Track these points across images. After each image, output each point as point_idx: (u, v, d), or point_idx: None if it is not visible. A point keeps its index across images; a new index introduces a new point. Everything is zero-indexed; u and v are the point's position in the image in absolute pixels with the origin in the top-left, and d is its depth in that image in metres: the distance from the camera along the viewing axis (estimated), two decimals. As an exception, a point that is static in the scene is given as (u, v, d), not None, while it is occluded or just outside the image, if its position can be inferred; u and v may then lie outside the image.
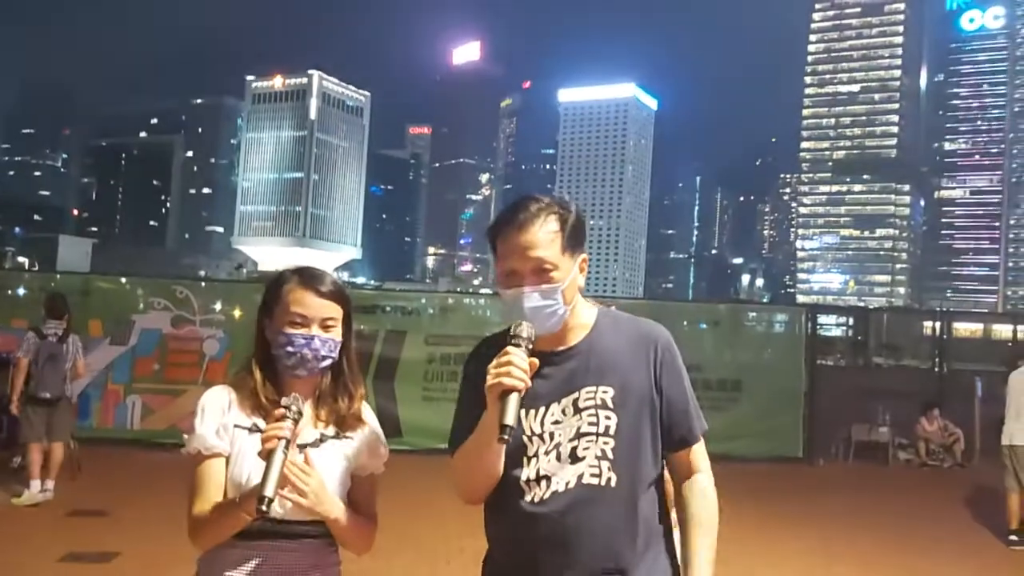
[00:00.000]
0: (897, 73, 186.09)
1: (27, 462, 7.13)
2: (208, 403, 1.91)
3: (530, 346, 1.72)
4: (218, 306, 10.63)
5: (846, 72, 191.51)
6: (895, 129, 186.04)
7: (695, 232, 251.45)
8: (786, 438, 11.05)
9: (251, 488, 1.75)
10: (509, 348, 1.70)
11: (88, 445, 8.57)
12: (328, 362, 1.94)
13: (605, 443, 1.79)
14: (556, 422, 1.82)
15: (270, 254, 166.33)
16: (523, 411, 1.80)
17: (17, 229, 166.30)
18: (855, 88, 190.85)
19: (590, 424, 1.80)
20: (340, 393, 1.99)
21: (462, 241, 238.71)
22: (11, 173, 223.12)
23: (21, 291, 10.94)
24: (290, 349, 1.89)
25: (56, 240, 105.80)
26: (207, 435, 1.87)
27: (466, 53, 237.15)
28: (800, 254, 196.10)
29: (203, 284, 11.65)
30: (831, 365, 14.96)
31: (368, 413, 2.05)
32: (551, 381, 1.84)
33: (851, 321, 21.80)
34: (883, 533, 7.48)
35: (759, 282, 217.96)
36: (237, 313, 10.60)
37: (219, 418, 1.89)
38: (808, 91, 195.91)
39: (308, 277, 1.95)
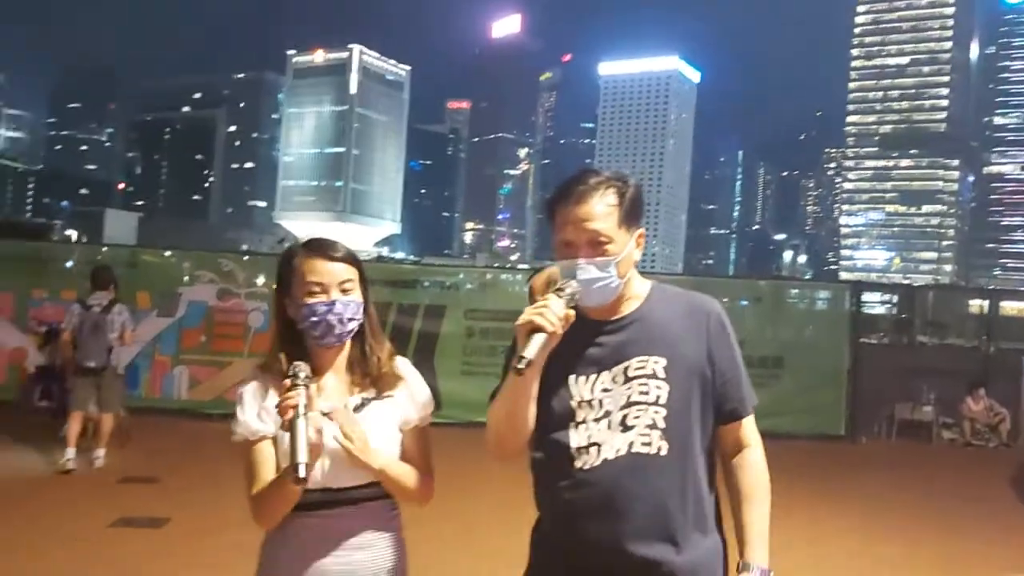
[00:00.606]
0: (947, 45, 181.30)
1: (66, 428, 7.32)
2: (246, 391, 1.94)
3: (572, 301, 1.73)
4: (261, 279, 10.78)
5: (894, 44, 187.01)
6: (944, 103, 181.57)
7: (737, 207, 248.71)
8: (828, 416, 10.97)
9: (288, 466, 1.77)
10: (550, 295, 1.72)
11: (136, 414, 8.78)
12: (354, 324, 1.94)
13: (656, 412, 1.79)
14: (605, 390, 1.82)
15: (311, 229, 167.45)
16: (573, 377, 1.83)
17: (64, 202, 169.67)
18: (903, 60, 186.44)
19: (641, 393, 1.80)
20: (368, 354, 1.99)
21: (500, 216, 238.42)
22: (58, 147, 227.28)
23: (69, 263, 11.17)
24: (314, 319, 1.90)
25: (103, 213, 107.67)
26: (250, 421, 1.90)
27: (506, 26, 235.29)
28: (844, 230, 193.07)
29: (246, 258, 11.76)
30: (874, 343, 14.73)
31: (406, 368, 2.05)
32: (602, 350, 1.85)
33: (895, 299, 21.40)
34: (925, 512, 7.41)
35: (802, 259, 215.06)
36: (278, 287, 10.73)
37: (258, 403, 1.91)
38: (855, 63, 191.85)
39: (316, 245, 1.96)
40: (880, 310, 22.27)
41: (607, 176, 1.85)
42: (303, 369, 1.82)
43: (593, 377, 1.84)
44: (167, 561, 5.11)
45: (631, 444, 1.78)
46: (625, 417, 1.80)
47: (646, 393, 1.81)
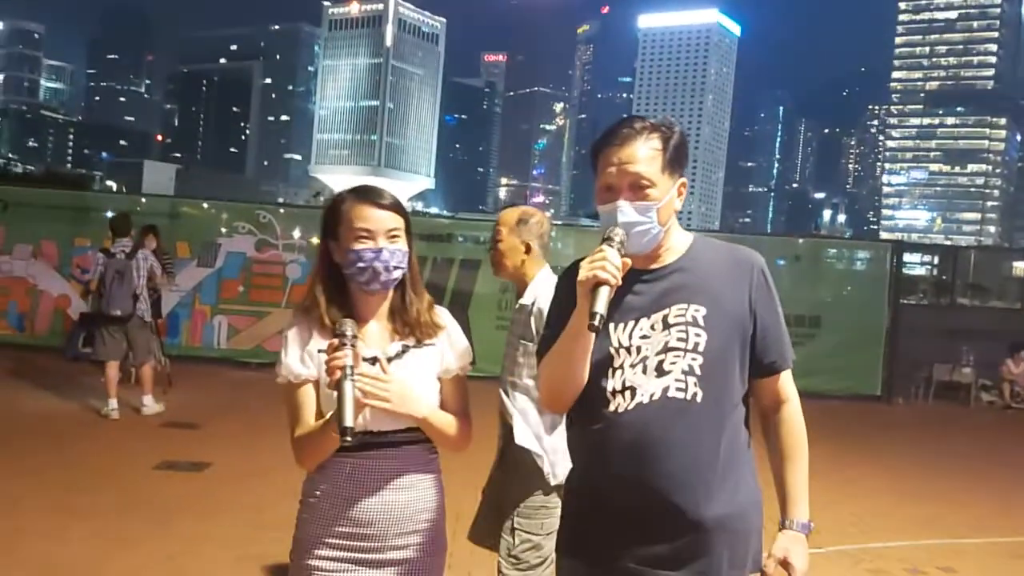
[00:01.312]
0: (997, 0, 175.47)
1: (104, 378, 7.44)
2: (290, 335, 1.96)
3: (623, 249, 1.72)
4: (297, 232, 10.87)
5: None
6: (993, 59, 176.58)
7: (776, 165, 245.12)
8: (865, 376, 10.89)
9: (332, 415, 1.80)
10: (603, 246, 1.71)
11: (178, 362, 8.96)
12: (399, 273, 1.96)
13: (693, 359, 1.78)
14: (644, 336, 1.81)
15: (346, 182, 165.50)
16: (612, 324, 1.80)
17: (104, 154, 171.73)
18: (952, 15, 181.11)
19: (679, 339, 1.79)
20: (409, 303, 2.01)
21: (535, 172, 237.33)
22: (97, 99, 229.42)
23: (110, 214, 11.35)
24: (361, 265, 1.91)
25: (141, 165, 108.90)
26: (293, 364, 1.92)
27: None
28: (886, 189, 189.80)
29: (282, 210, 11.86)
30: (914, 304, 14.55)
31: (446, 317, 2.08)
32: (642, 297, 1.83)
33: (936, 260, 21.06)
34: (962, 474, 7.36)
35: (841, 218, 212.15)
36: (316, 239, 10.82)
37: (301, 346, 1.93)
38: (902, 18, 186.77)
39: (365, 192, 1.98)
40: (920, 271, 21.95)
41: (652, 122, 1.83)
42: (350, 327, 1.81)
43: (632, 324, 1.82)
44: (209, 502, 5.25)
45: (666, 389, 1.77)
46: (661, 362, 1.78)
47: (684, 340, 1.79)
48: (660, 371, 1.78)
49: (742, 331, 1.83)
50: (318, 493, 1.94)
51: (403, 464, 1.94)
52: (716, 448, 1.78)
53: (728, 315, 1.82)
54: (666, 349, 1.79)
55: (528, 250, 3.07)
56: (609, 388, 1.80)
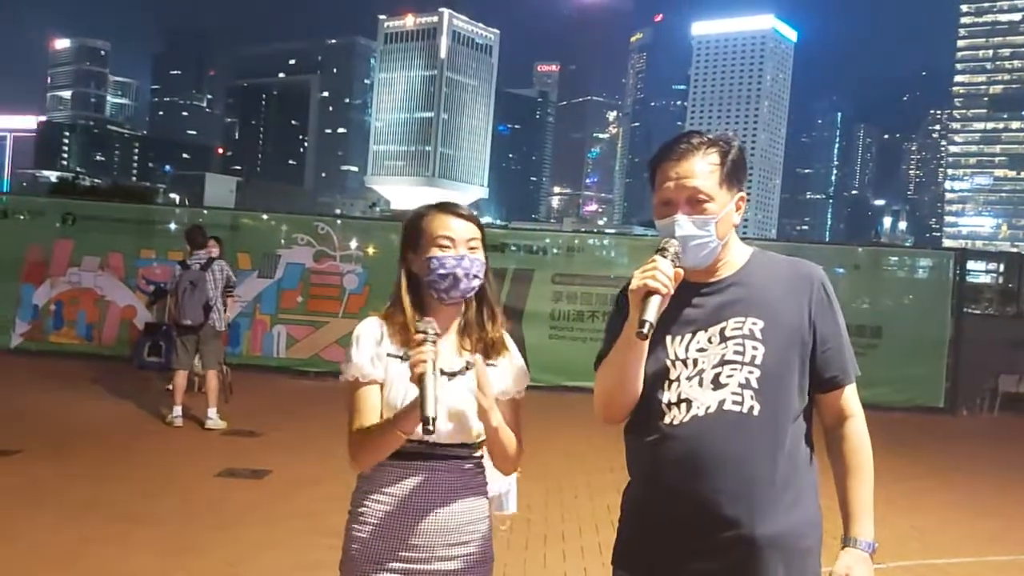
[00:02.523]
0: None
1: (172, 385, 7.67)
2: (363, 333, 1.98)
3: (676, 261, 1.73)
4: (354, 243, 11.04)
5: (1007, 0, 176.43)
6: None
7: (834, 171, 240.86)
8: (928, 387, 10.63)
9: (405, 408, 1.84)
10: (656, 256, 1.72)
11: (237, 371, 9.15)
12: (478, 282, 1.99)
13: (750, 372, 1.76)
14: (701, 349, 1.81)
15: (401, 193, 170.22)
16: (669, 337, 1.82)
17: (167, 167, 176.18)
18: (1016, 17, 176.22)
19: (736, 352, 1.78)
20: (485, 319, 2.04)
21: (587, 181, 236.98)
22: (161, 113, 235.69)
23: (173, 226, 11.66)
24: (443, 272, 1.94)
25: (203, 178, 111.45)
26: (363, 363, 1.94)
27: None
28: (948, 195, 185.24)
29: (340, 221, 12.05)
30: (978, 313, 14.19)
31: (510, 341, 2.10)
32: (700, 311, 1.84)
33: (1002, 267, 20.50)
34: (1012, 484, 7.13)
35: (902, 225, 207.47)
36: (372, 250, 11.00)
37: (373, 348, 1.96)
38: (964, 20, 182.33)
39: (445, 205, 2.04)
40: (985, 279, 21.41)
41: (711, 137, 1.84)
42: (432, 326, 1.84)
43: (689, 337, 1.82)
44: (269, 509, 5.35)
45: (722, 402, 1.76)
46: (718, 375, 1.78)
47: (741, 352, 1.78)
48: (716, 384, 1.77)
49: (801, 344, 1.81)
50: (368, 503, 1.96)
51: (453, 477, 1.95)
52: (773, 463, 1.75)
53: (786, 328, 1.80)
54: (723, 362, 1.78)
55: None
56: (665, 400, 1.79)
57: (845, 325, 1.88)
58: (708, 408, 1.76)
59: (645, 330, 1.65)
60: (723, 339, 1.80)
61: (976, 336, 11.01)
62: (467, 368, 1.98)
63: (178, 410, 7.49)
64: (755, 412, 1.75)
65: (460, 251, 1.96)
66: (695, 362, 1.80)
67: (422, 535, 1.92)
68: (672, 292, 1.70)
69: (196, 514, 5.14)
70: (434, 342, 1.82)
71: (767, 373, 1.77)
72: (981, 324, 12.41)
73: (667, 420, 1.78)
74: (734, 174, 1.82)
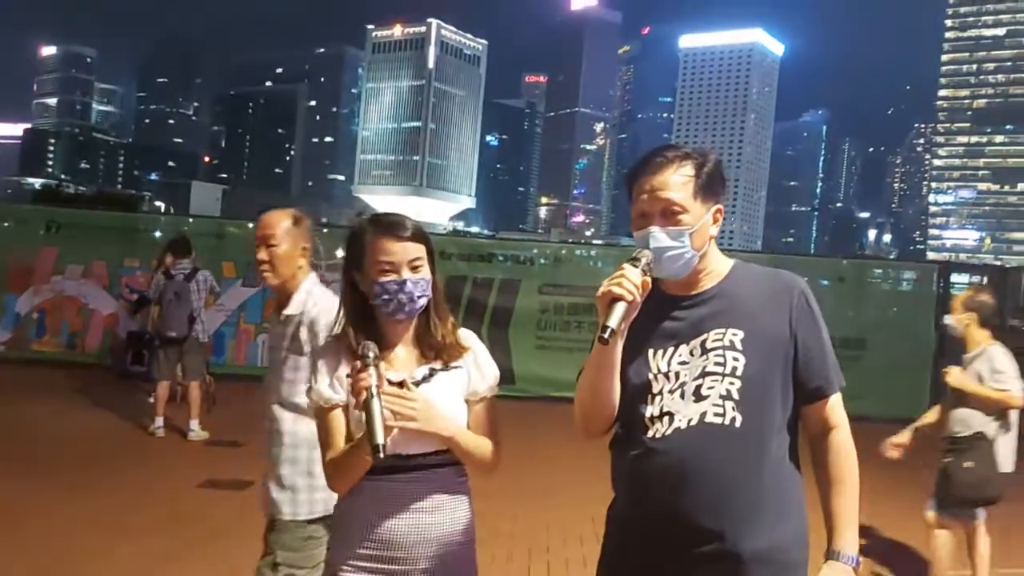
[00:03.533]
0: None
1: (155, 397, 7.60)
2: (320, 361, 2.01)
3: (647, 270, 1.73)
4: (340, 252, 10.98)
5: (990, 15, 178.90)
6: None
7: (819, 184, 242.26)
8: (911, 400, 10.62)
9: (361, 437, 1.83)
10: (625, 265, 1.72)
11: (221, 381, 9.07)
12: (424, 301, 1.98)
13: (731, 383, 1.76)
14: (683, 362, 1.80)
15: (388, 203, 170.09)
16: (651, 351, 1.83)
17: (153, 175, 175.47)
18: (1000, 32, 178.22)
19: (716, 364, 1.77)
20: (433, 327, 2.03)
21: (575, 192, 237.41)
22: (147, 121, 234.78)
23: (158, 234, 11.58)
24: (386, 297, 1.94)
25: (189, 186, 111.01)
26: (323, 389, 1.97)
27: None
28: (932, 209, 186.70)
29: (325, 231, 11.99)
30: (962, 326, 14.22)
31: (472, 339, 2.09)
32: (681, 323, 1.84)
33: (986, 281, 20.64)
34: (1013, 501, 7.15)
35: (887, 238, 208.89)
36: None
37: (331, 372, 1.97)
38: (948, 35, 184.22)
39: (386, 225, 1.98)
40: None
41: (686, 150, 1.85)
42: (371, 349, 1.84)
43: (671, 350, 1.82)
44: (252, 521, 5.29)
45: (703, 414, 1.75)
46: (699, 387, 1.77)
47: (722, 364, 1.77)
48: (698, 396, 1.76)
49: (783, 355, 1.80)
50: (348, 516, 1.97)
51: (433, 487, 1.94)
52: (757, 475, 1.74)
53: (767, 338, 1.79)
54: (704, 374, 1.77)
55: (304, 255, 2.84)
56: (648, 414, 1.79)
57: (828, 335, 1.87)
58: (690, 420, 1.75)
59: (606, 335, 1.65)
60: (704, 351, 1.79)
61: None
62: (431, 375, 1.98)
63: (160, 421, 7.43)
64: (736, 424, 1.74)
65: (403, 274, 1.94)
66: (677, 375, 1.79)
67: (403, 547, 1.91)
68: (639, 300, 1.69)
69: (180, 525, 5.09)
70: (375, 365, 1.82)
71: (748, 384, 1.75)
72: (964, 337, 12.45)
73: (650, 434, 1.77)
74: (709, 186, 1.82)
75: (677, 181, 1.79)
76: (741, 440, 1.74)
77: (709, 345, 1.80)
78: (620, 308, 1.67)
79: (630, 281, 1.68)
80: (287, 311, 2.81)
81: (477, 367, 2.05)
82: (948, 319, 5.10)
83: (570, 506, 6.05)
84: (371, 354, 1.83)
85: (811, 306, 1.85)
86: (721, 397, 1.75)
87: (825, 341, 1.86)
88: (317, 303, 2.76)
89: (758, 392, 1.77)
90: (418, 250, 1.97)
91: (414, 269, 1.96)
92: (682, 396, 1.77)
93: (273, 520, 2.85)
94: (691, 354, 1.81)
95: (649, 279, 1.73)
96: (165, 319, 7.50)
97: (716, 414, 1.74)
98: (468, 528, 2.01)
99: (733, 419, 1.74)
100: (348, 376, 1.89)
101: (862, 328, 10.73)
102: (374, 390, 1.78)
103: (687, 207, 1.79)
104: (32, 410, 8.16)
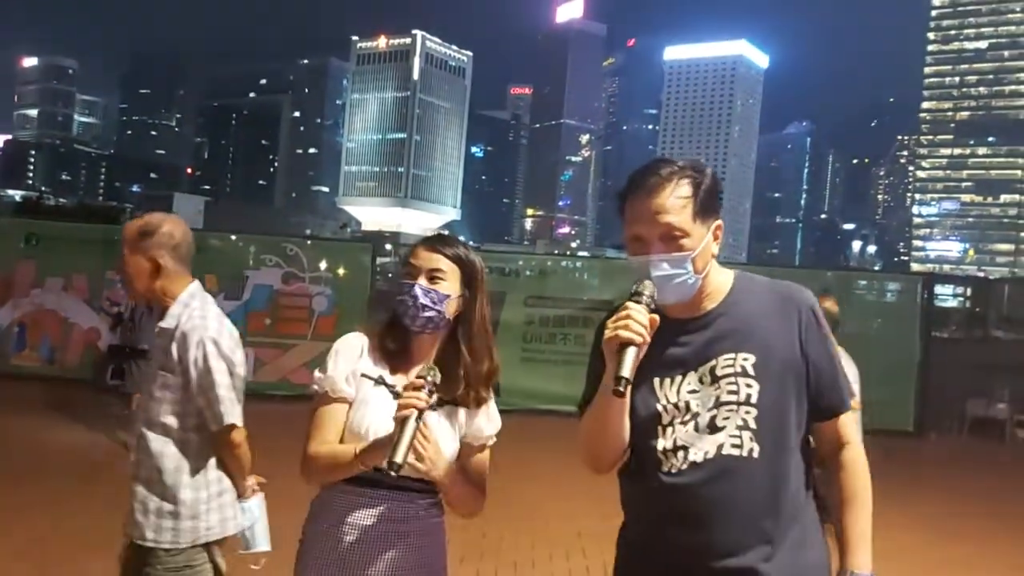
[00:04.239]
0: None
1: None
2: (343, 348, 1.99)
3: (652, 304, 1.64)
4: (324, 264, 10.93)
5: (973, 28, 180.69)
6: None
7: (804, 196, 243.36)
8: (896, 411, 10.67)
9: (373, 443, 1.82)
10: (629, 303, 1.63)
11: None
12: (430, 313, 1.94)
13: (747, 412, 1.69)
14: (693, 391, 1.73)
15: (373, 214, 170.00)
16: (657, 380, 1.74)
17: (135, 187, 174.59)
18: (982, 44, 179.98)
19: (730, 393, 1.70)
20: (462, 356, 1.99)
21: (560, 203, 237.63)
22: (129, 132, 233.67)
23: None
24: (399, 297, 1.95)
25: (171, 197, 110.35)
26: (337, 379, 1.94)
27: (569, 10, 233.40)
28: (916, 220, 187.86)
29: (310, 242, 11.93)
30: (946, 337, 14.30)
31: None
32: (687, 349, 1.75)
33: (969, 292, 20.76)
34: (997, 512, 7.17)
35: (871, 249, 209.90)
36: (342, 271, 10.91)
37: (351, 364, 1.95)
38: (931, 48, 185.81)
39: (433, 239, 2.05)
40: (953, 303, 21.62)
41: (681, 166, 1.73)
42: (436, 375, 1.81)
43: (679, 379, 1.74)
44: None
45: (720, 446, 1.68)
46: (714, 418, 1.70)
47: (735, 392, 1.70)
48: (713, 428, 1.70)
49: (795, 376, 1.74)
50: (319, 524, 1.94)
51: (407, 505, 1.92)
52: (776, 504, 1.69)
53: (779, 360, 1.72)
54: (718, 404, 1.70)
55: (157, 268, 2.58)
56: (660, 448, 1.72)
57: (836, 350, 1.82)
58: (707, 454, 1.68)
59: (622, 387, 1.56)
60: (714, 379, 1.72)
61: (944, 360, 11.10)
62: (437, 404, 1.92)
63: None
64: (755, 454, 1.68)
65: (419, 280, 1.95)
66: (687, 405, 1.72)
67: (373, 566, 1.88)
68: (648, 340, 1.61)
69: (156, 543, 4.99)
70: (431, 392, 1.79)
71: (764, 412, 1.69)
72: (949, 348, 12.50)
73: (665, 468, 1.71)
74: (708, 204, 1.72)
75: (675, 204, 1.68)
76: (760, 470, 1.68)
77: (719, 372, 1.72)
78: (631, 353, 1.58)
79: (638, 323, 1.59)
80: (160, 323, 2.58)
81: (484, 413, 2.02)
82: None
83: (556, 520, 6.00)
84: (429, 377, 1.80)
85: (819, 322, 1.78)
86: (738, 427, 1.69)
87: (835, 357, 1.80)
88: (192, 317, 2.53)
89: (775, 420, 1.71)
90: (443, 264, 1.97)
91: (432, 280, 1.95)
92: (696, 428, 1.70)
93: (136, 545, 2.50)
94: (700, 382, 1.73)
95: (657, 317, 1.63)
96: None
97: (734, 445, 1.68)
98: (440, 552, 2.00)
99: (751, 450, 1.68)
100: (404, 388, 1.83)
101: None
102: (418, 414, 1.74)
103: (688, 230, 1.69)
104: (10, 424, 8.05)
